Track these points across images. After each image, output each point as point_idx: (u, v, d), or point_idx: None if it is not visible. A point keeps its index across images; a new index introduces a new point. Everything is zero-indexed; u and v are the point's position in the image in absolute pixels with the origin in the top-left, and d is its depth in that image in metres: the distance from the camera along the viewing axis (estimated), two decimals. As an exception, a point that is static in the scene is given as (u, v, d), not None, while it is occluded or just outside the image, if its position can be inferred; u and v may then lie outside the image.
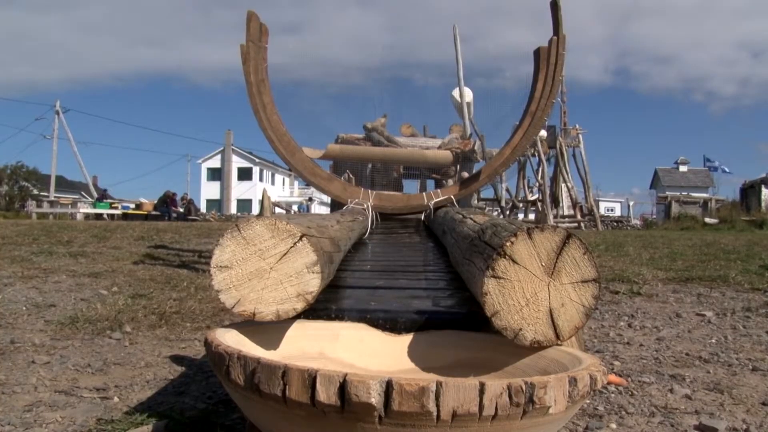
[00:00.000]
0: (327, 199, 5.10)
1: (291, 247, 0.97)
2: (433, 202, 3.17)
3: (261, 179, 46.75)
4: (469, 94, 9.07)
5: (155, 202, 21.82)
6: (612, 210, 39.17)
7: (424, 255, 2.12)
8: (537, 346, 0.94)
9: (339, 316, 1.15)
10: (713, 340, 2.20)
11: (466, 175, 4.62)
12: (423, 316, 1.14)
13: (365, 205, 2.95)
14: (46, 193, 30.74)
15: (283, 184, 51.99)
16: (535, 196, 17.80)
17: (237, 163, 43.59)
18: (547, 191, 16.90)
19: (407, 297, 1.30)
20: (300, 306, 0.97)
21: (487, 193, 16.66)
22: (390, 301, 1.24)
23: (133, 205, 22.67)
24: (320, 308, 1.15)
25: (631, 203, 27.99)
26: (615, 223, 19.50)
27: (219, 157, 43.78)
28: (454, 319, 1.13)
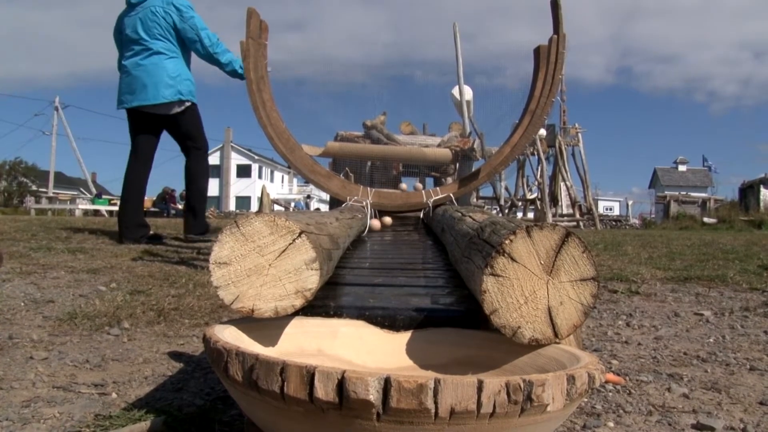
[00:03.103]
0: (326, 196, 5.08)
1: (290, 244, 0.97)
2: (432, 200, 3.17)
3: (260, 176, 46.76)
4: (468, 93, 9.07)
5: (154, 198, 21.83)
6: (611, 209, 39.23)
7: (422, 253, 2.12)
8: (535, 344, 0.94)
9: (338, 313, 1.15)
10: (711, 340, 2.20)
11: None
12: (422, 314, 1.14)
13: (364, 203, 2.95)
14: (44, 189, 30.72)
15: (282, 182, 51.98)
16: (534, 195, 17.80)
17: (236, 160, 43.58)
18: (546, 190, 16.90)
19: (406, 294, 1.30)
20: (298, 303, 0.97)
21: (486, 191, 16.68)
22: (389, 299, 1.24)
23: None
24: (319, 305, 1.15)
25: (630, 202, 28.02)
26: (614, 223, 19.53)
27: (218, 153, 43.75)
28: (453, 316, 1.14)
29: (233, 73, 4.21)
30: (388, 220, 2.98)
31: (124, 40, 4.41)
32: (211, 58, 4.22)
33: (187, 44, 4.31)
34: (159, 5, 4.24)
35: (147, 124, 4.42)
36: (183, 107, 4.40)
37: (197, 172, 4.53)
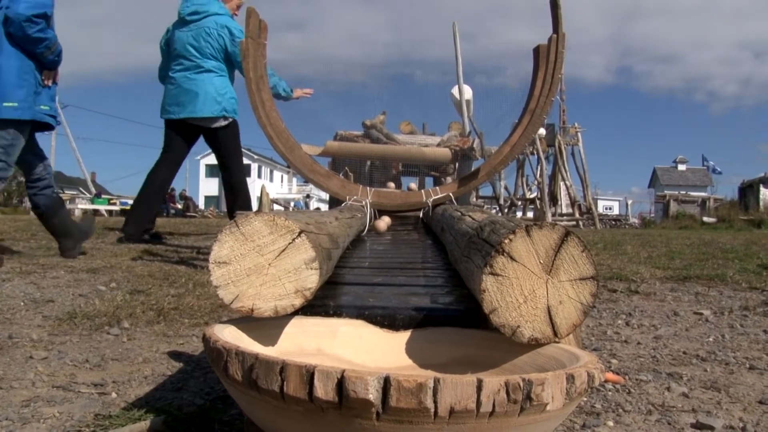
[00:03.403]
0: (325, 195, 5.10)
1: (289, 243, 0.97)
2: (431, 200, 3.17)
3: (260, 176, 46.76)
4: (468, 92, 9.08)
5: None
6: (610, 208, 39.23)
7: (422, 252, 2.12)
8: (535, 344, 0.94)
9: (337, 312, 1.15)
10: (711, 339, 2.20)
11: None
12: (421, 313, 1.14)
13: (363, 202, 2.95)
14: (44, 189, 30.57)
15: (282, 181, 51.96)
16: (534, 194, 17.79)
17: (236, 159, 43.53)
18: (546, 189, 16.90)
19: (405, 294, 1.30)
20: (298, 302, 0.97)
21: (486, 190, 16.67)
22: (388, 298, 1.24)
23: (131, 201, 22.64)
24: (318, 305, 1.15)
25: (630, 202, 27.98)
26: (613, 222, 19.52)
27: (217, 153, 43.67)
28: (452, 316, 1.14)
29: (277, 96, 4.49)
30: (386, 220, 2.96)
31: (173, 53, 4.60)
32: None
33: (236, 66, 4.53)
34: (213, 27, 4.45)
35: (187, 133, 4.65)
36: (226, 122, 4.62)
37: (239, 190, 4.73)
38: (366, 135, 7.23)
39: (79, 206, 20.60)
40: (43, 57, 3.47)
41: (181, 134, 4.63)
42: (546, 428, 0.79)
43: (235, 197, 4.66)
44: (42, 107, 3.51)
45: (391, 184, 4.21)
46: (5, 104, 3.34)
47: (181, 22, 4.55)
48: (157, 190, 4.73)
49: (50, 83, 3.59)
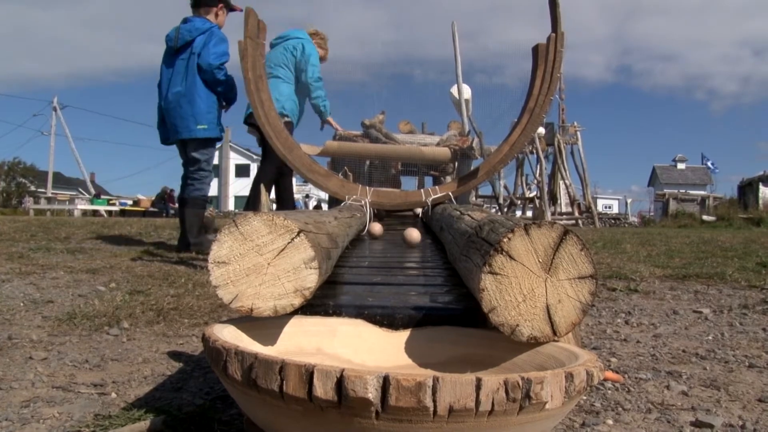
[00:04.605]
0: (325, 195, 5.13)
1: (288, 243, 0.97)
2: (431, 199, 3.17)
3: (259, 176, 46.62)
4: (467, 91, 9.08)
5: (153, 198, 21.82)
6: (610, 207, 39.21)
7: (421, 251, 2.12)
8: (534, 342, 0.94)
9: (336, 312, 1.16)
10: (710, 337, 2.20)
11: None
12: (420, 312, 1.14)
13: (363, 202, 2.95)
14: (43, 190, 30.68)
15: (281, 181, 51.87)
16: (533, 194, 17.79)
17: (235, 159, 43.56)
18: (545, 188, 16.90)
19: (405, 293, 1.30)
20: (297, 302, 0.97)
21: (485, 190, 16.67)
22: (387, 297, 1.25)
23: (130, 202, 22.64)
24: (318, 304, 1.15)
25: (629, 200, 28.04)
26: (613, 221, 19.51)
27: (217, 153, 43.69)
28: (452, 315, 1.14)
29: (315, 107, 4.90)
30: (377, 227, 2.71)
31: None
32: (305, 87, 4.81)
33: (297, 72, 4.85)
34: (291, 43, 4.82)
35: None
36: (282, 121, 4.82)
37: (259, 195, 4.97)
38: (365, 134, 7.22)
39: (79, 206, 20.57)
40: (226, 94, 4.50)
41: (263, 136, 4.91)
42: (545, 427, 0.79)
43: (254, 200, 4.76)
44: (220, 127, 4.56)
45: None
46: (198, 126, 4.36)
47: (270, 47, 4.89)
48: (265, 189, 4.94)
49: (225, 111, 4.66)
